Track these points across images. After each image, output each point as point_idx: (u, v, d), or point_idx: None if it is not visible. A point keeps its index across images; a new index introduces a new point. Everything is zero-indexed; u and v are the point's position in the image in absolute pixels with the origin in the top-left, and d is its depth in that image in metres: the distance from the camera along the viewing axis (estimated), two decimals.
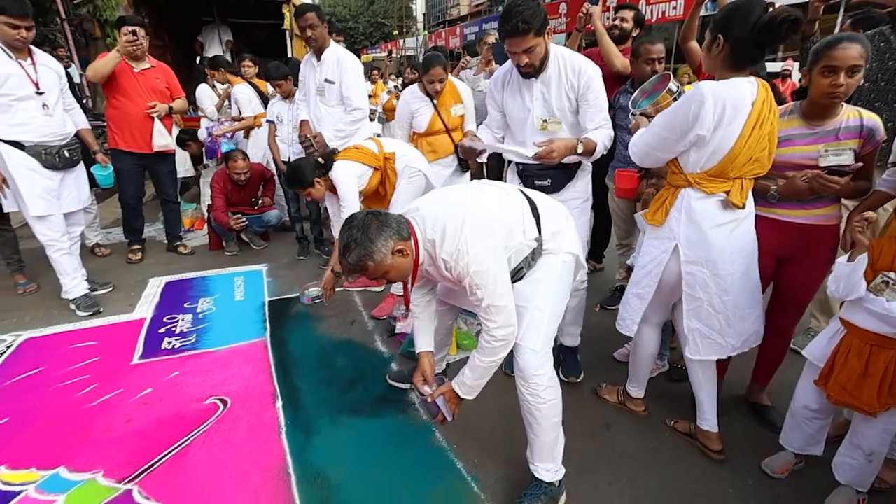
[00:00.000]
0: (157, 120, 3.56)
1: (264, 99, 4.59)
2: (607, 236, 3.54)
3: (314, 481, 1.79)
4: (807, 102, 1.75)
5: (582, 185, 2.25)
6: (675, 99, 1.77)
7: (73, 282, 3.01)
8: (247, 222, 3.93)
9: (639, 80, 2.60)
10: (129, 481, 1.77)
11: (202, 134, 4.98)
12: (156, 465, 1.85)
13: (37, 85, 2.76)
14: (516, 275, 1.64)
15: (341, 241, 1.47)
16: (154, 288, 3.38)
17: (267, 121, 3.92)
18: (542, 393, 1.58)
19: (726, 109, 1.54)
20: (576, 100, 2.05)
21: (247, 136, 4.67)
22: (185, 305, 3.13)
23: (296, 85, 3.81)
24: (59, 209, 2.93)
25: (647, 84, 1.95)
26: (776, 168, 1.78)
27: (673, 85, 1.82)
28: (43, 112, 2.79)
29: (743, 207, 1.68)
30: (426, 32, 22.23)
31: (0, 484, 1.76)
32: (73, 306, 3.00)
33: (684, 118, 1.59)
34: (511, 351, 1.58)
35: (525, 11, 1.79)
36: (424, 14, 41.00)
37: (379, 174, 2.91)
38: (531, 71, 1.99)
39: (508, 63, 2.13)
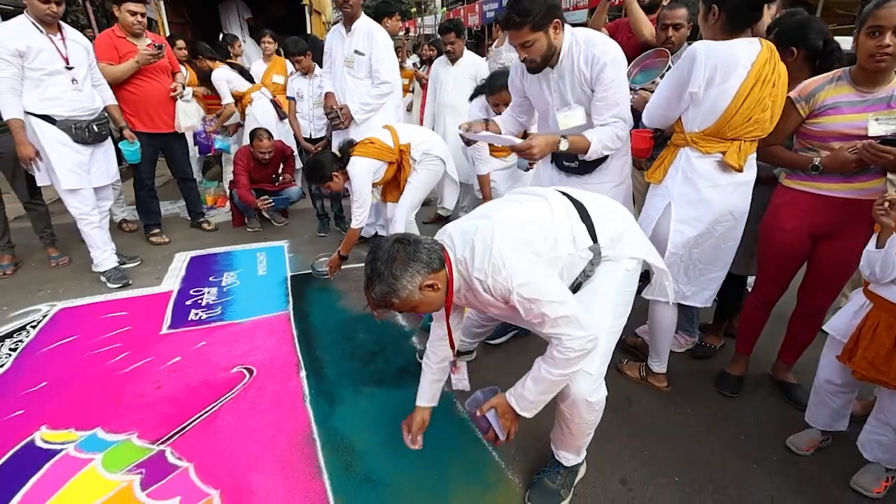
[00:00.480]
0: (180, 101, 3.59)
1: (248, 77, 4.55)
2: None
3: (338, 448, 1.84)
4: (856, 68, 1.67)
5: (616, 168, 2.05)
6: None
7: (104, 255, 3.10)
8: (272, 202, 3.96)
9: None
10: (161, 442, 1.84)
11: (193, 127, 4.88)
12: (187, 428, 1.91)
13: (66, 60, 2.80)
14: (572, 286, 1.46)
15: (365, 272, 1.32)
16: (180, 262, 3.45)
17: (287, 97, 3.92)
18: (587, 417, 1.45)
19: (717, 67, 1.61)
20: (591, 90, 1.88)
21: (242, 117, 4.57)
22: (210, 279, 3.19)
23: (315, 61, 3.80)
24: (89, 183, 3.00)
25: (642, 56, 1.96)
26: (820, 138, 1.72)
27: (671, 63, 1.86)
28: (72, 87, 2.83)
29: (740, 170, 1.74)
30: (444, 10, 21.79)
31: (42, 442, 1.85)
32: (103, 278, 3.09)
33: (680, 77, 1.70)
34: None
35: (523, 3, 1.68)
36: None
37: (394, 167, 2.91)
38: (533, 66, 1.88)
39: None
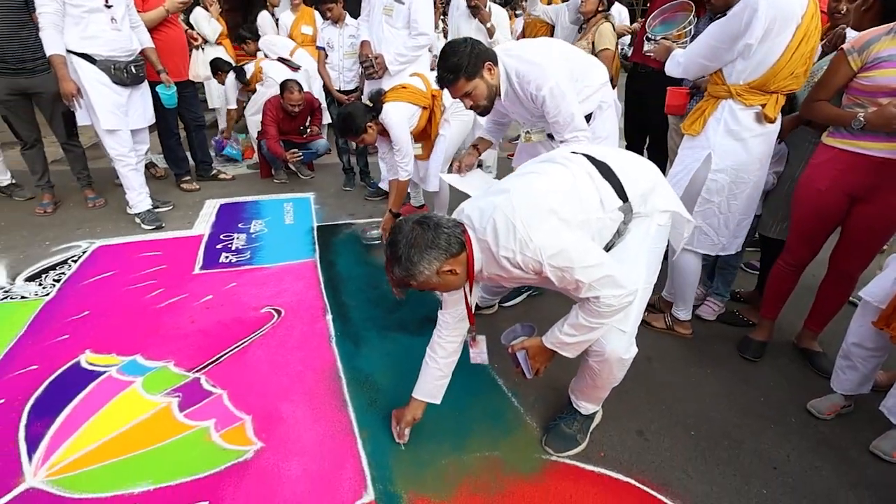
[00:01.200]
0: (199, 50, 3.57)
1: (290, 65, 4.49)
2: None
3: (363, 385, 1.91)
4: None
5: (597, 126, 2.08)
6: (688, 34, 2.02)
7: (139, 197, 3.19)
8: (301, 155, 3.97)
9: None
10: (196, 371, 1.94)
11: (208, 77, 4.85)
12: (220, 360, 2.01)
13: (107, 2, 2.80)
14: (606, 250, 1.43)
15: (386, 252, 1.33)
16: (210, 209, 3.53)
17: (317, 47, 3.87)
18: (617, 374, 1.48)
19: (776, 20, 1.60)
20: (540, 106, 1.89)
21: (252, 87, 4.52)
22: (239, 225, 3.27)
23: (345, 9, 3.72)
24: (126, 125, 3.05)
25: (665, 8, 1.96)
26: (870, 93, 1.63)
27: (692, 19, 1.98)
28: (111, 26, 2.84)
29: (773, 122, 1.83)
30: None
31: (87, 364, 1.96)
32: (137, 220, 3.19)
33: (737, 26, 1.66)
34: None
35: (450, 59, 1.77)
36: None
37: (427, 112, 2.86)
38: (481, 111, 1.95)
39: None
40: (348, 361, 2.03)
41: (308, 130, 4.21)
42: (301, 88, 3.88)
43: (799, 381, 2.00)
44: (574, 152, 1.49)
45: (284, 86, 3.83)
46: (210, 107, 5.16)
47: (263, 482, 1.49)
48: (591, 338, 1.37)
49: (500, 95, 1.92)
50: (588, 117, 2.03)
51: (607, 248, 1.43)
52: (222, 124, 5.26)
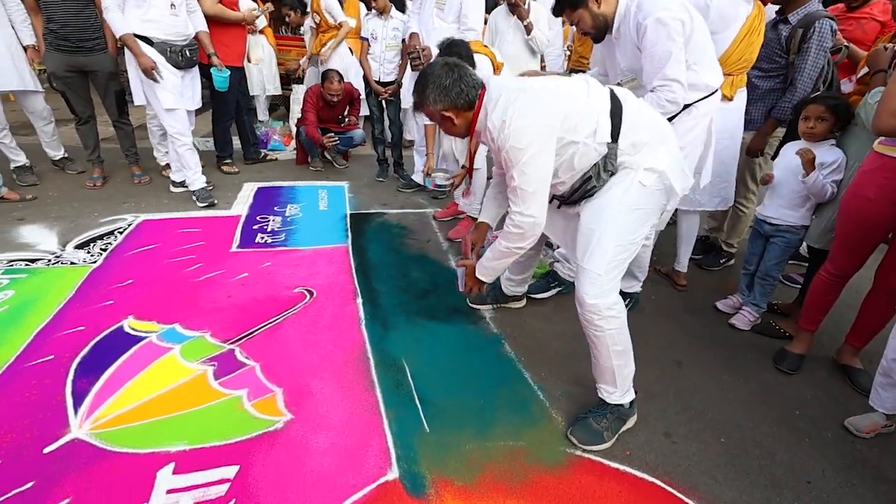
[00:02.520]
0: (255, 34, 3.70)
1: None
2: None
3: (390, 367, 1.94)
4: None
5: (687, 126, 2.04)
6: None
7: (195, 175, 3.31)
8: (338, 140, 4.05)
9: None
10: (231, 342, 2.00)
11: (260, 60, 5.02)
12: (254, 334, 2.06)
13: None
14: (584, 186, 1.54)
15: (417, 78, 1.59)
16: (248, 191, 3.63)
17: (361, 38, 3.93)
18: (598, 322, 1.52)
19: (700, 22, 1.91)
20: None
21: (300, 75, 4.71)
22: (275, 209, 3.35)
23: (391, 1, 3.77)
24: (183, 105, 3.16)
25: None
26: None
27: None
28: (170, 11, 2.96)
29: (731, 100, 2.29)
30: None
31: (129, 329, 2.05)
32: (193, 197, 3.31)
33: (669, 42, 1.84)
34: None
35: None
36: None
37: None
38: (592, 36, 2.06)
39: None
40: (377, 344, 2.06)
41: (346, 120, 4.28)
42: (341, 79, 3.95)
43: (836, 396, 1.94)
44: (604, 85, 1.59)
45: (325, 75, 3.90)
46: (251, 93, 5.28)
47: (292, 452, 1.53)
48: (504, 263, 1.73)
49: (611, 31, 1.98)
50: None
51: (589, 190, 1.54)
52: (261, 113, 5.40)
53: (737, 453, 1.64)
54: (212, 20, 3.41)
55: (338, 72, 3.97)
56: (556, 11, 2.01)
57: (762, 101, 2.48)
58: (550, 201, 1.63)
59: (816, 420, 1.81)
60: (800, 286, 2.51)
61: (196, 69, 3.27)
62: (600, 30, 1.98)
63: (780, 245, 2.24)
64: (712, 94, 2.02)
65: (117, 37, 2.90)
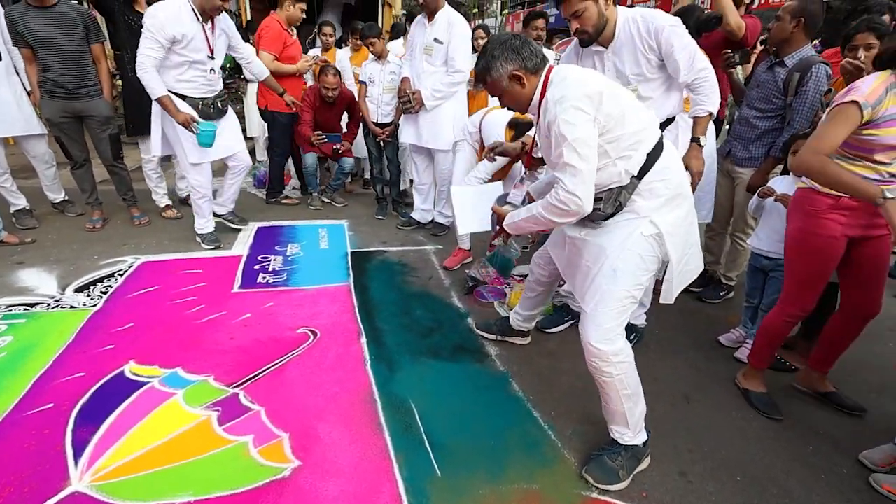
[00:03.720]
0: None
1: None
2: None
3: (398, 409, 1.91)
4: None
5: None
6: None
7: (206, 223, 3.34)
8: (326, 139, 4.00)
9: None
10: (235, 386, 1.97)
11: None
12: (258, 377, 2.03)
13: (211, 51, 3.01)
14: (594, 206, 1.52)
15: (483, 51, 1.58)
16: (247, 231, 3.64)
17: (360, 81, 4.05)
18: (605, 368, 1.52)
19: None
20: (658, 59, 2.01)
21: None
22: (276, 248, 3.36)
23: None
24: (209, 158, 3.16)
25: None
26: (864, 149, 1.63)
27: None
28: (208, 75, 3.06)
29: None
30: (504, 13, 21.90)
31: (130, 374, 2.01)
32: (199, 240, 3.33)
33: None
34: None
35: None
36: None
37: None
38: (585, 38, 1.99)
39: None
40: (383, 385, 2.04)
41: (340, 149, 4.20)
42: (337, 73, 3.94)
43: (847, 428, 1.93)
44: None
45: (322, 70, 3.92)
46: (248, 135, 5.37)
47: (301, 501, 1.48)
48: (531, 226, 1.65)
49: (607, 42, 2.02)
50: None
51: (596, 212, 1.54)
52: (260, 154, 5.46)
53: (754, 492, 1.61)
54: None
55: (334, 66, 3.99)
56: None
57: (761, 139, 2.55)
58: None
59: (830, 455, 1.79)
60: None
61: (231, 112, 3.33)
62: (598, 31, 1.96)
63: (778, 279, 2.27)
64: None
65: (154, 97, 2.88)
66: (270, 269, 3.03)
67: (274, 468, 1.59)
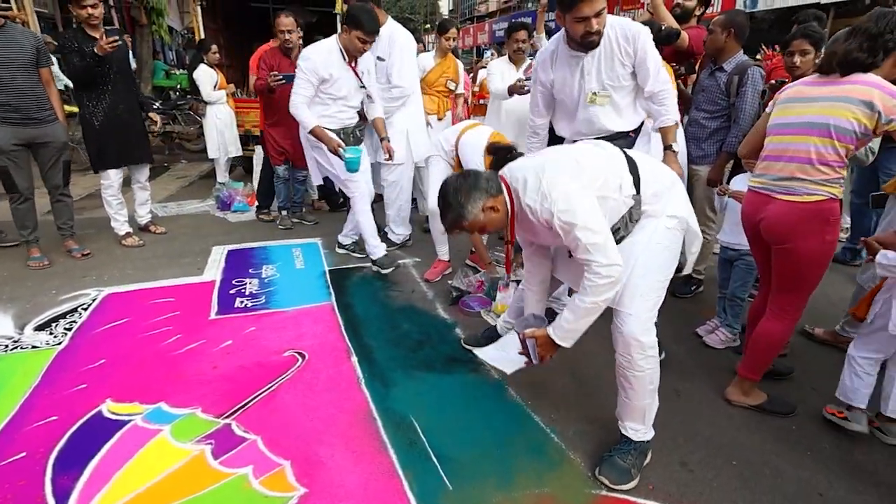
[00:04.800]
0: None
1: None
2: None
3: (399, 425, 1.88)
4: None
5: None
6: None
7: (377, 242, 3.25)
8: (284, 79, 3.55)
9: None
10: (226, 417, 1.88)
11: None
12: (249, 405, 1.96)
13: (356, 86, 3.09)
14: (614, 237, 1.56)
15: (438, 204, 1.61)
16: (218, 255, 3.52)
17: None
18: (640, 361, 1.55)
19: None
20: (632, 65, 2.12)
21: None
22: (251, 271, 3.25)
23: None
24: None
25: None
26: None
27: None
28: (349, 112, 3.15)
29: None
30: (459, 26, 22.45)
31: (109, 413, 1.89)
32: (376, 268, 3.23)
33: None
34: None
35: None
36: (451, 10, 41.01)
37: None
38: (596, 39, 2.03)
39: (553, 42, 2.25)
40: (381, 403, 2.00)
41: None
42: (290, 14, 3.74)
43: (822, 404, 2.04)
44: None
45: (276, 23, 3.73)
46: (210, 157, 5.21)
47: None
48: (587, 321, 1.54)
49: (594, 46, 2.10)
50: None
51: (618, 240, 1.58)
52: (220, 176, 5.30)
53: (749, 475, 1.69)
54: None
55: (287, 10, 3.78)
56: None
57: (712, 138, 2.78)
58: (571, 255, 1.62)
59: (812, 433, 1.90)
60: None
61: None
62: (601, 37, 2.03)
63: (742, 268, 2.42)
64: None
65: (307, 130, 3.02)
66: (247, 293, 2.93)
67: (279, 498, 1.53)
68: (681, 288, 3.06)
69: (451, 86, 3.99)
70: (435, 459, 1.71)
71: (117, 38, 3.15)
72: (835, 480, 1.67)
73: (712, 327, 2.55)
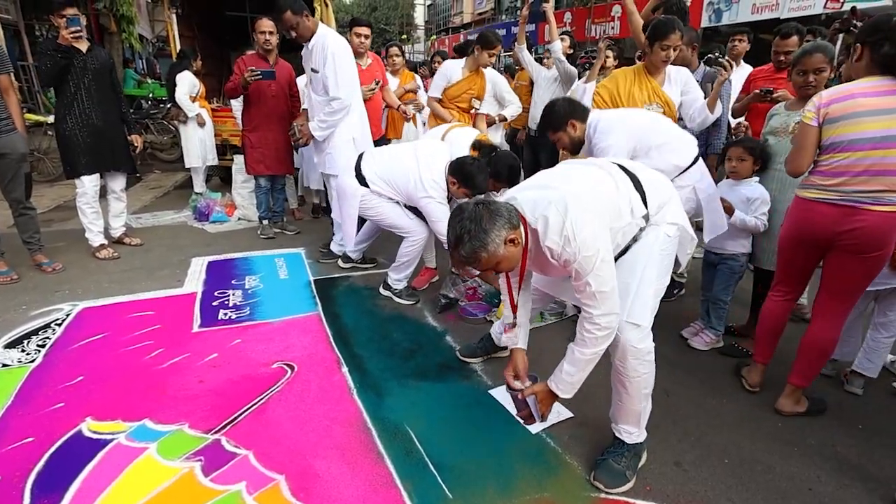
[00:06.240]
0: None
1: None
2: None
3: (395, 435, 1.85)
4: None
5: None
6: None
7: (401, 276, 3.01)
8: (261, 74, 3.52)
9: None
10: (215, 432, 1.82)
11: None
12: (238, 419, 1.90)
13: None
14: (622, 250, 1.60)
15: (452, 233, 1.40)
16: (198, 266, 3.42)
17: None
18: (638, 367, 1.56)
19: None
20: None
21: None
22: (233, 282, 3.18)
23: None
24: None
25: None
26: None
27: None
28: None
29: None
30: (435, 37, 22.61)
31: (89, 432, 1.80)
32: (397, 298, 2.98)
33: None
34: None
35: None
36: (426, 21, 41.43)
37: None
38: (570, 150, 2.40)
39: None
40: (374, 413, 1.97)
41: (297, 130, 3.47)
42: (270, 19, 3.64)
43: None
44: (610, 161, 1.68)
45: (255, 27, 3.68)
46: (186, 165, 5.10)
47: None
48: (588, 371, 1.54)
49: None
50: None
51: (624, 250, 1.60)
52: (198, 186, 5.18)
53: (742, 472, 1.72)
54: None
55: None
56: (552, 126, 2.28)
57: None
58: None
59: (797, 429, 1.96)
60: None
61: None
62: (577, 146, 2.33)
63: (724, 272, 2.49)
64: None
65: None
66: (231, 305, 2.86)
67: None
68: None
69: (476, 104, 3.70)
70: (433, 468, 1.69)
71: (79, 28, 3.06)
72: (823, 475, 1.72)
73: (696, 329, 2.61)
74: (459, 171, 2.58)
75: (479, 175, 2.55)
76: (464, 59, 3.70)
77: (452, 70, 3.62)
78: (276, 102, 3.83)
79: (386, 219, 2.91)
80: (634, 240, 1.61)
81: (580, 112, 2.28)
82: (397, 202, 2.87)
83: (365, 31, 3.71)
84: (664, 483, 1.66)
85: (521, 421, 1.76)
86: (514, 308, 1.73)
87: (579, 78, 4.11)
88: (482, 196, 1.49)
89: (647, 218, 1.58)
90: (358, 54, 3.55)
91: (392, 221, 2.90)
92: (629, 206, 1.55)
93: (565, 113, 2.25)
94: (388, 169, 2.82)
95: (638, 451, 1.69)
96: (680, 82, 2.60)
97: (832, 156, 1.79)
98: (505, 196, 1.58)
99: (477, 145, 2.78)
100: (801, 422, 1.99)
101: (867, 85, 1.72)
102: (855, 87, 1.74)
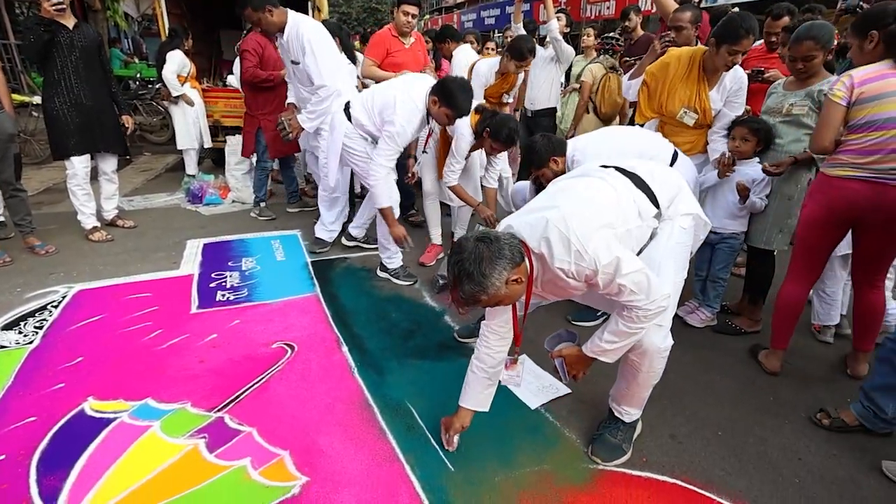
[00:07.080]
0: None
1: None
2: None
3: (396, 411, 1.88)
4: None
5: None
6: None
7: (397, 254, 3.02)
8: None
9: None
10: (218, 410, 1.84)
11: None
12: (241, 397, 1.92)
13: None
14: (637, 252, 1.55)
15: (451, 272, 1.31)
16: (193, 248, 3.40)
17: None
18: (655, 364, 1.55)
19: None
20: None
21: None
22: (230, 264, 3.16)
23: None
24: None
25: None
26: None
27: None
28: None
29: None
30: (428, 16, 22.20)
31: (92, 412, 1.81)
32: (395, 280, 3.00)
33: None
34: None
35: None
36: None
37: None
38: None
39: None
40: (376, 390, 2.00)
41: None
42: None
43: (798, 378, 2.17)
44: (605, 166, 1.62)
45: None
46: (179, 147, 5.02)
47: None
48: (631, 342, 1.46)
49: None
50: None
51: (639, 252, 1.54)
52: (190, 168, 5.12)
53: (735, 443, 1.78)
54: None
55: None
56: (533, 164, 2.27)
57: None
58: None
59: (788, 403, 2.01)
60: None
61: None
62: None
63: (724, 251, 2.52)
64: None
65: (382, 207, 2.72)
66: (228, 286, 2.85)
67: (281, 487, 1.51)
68: None
69: (506, 98, 3.89)
70: (434, 443, 1.73)
71: (61, 1, 2.98)
72: (812, 445, 1.78)
73: (692, 308, 2.65)
74: (441, 89, 2.51)
75: (460, 93, 2.47)
76: (496, 59, 3.70)
77: (486, 74, 3.68)
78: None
79: (359, 159, 2.85)
80: (651, 237, 1.56)
81: (559, 147, 2.26)
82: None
83: (413, 10, 3.50)
84: (659, 455, 1.71)
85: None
86: (518, 338, 1.60)
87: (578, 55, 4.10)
88: (483, 230, 1.38)
89: (658, 216, 1.53)
90: (402, 33, 3.51)
91: (363, 167, 2.83)
92: (635, 209, 1.48)
93: (546, 150, 2.24)
94: (370, 95, 2.79)
95: (633, 424, 1.73)
96: (730, 91, 2.42)
97: (866, 134, 1.81)
98: (502, 225, 1.50)
99: (480, 108, 2.76)
100: (793, 396, 2.04)
101: (891, 66, 1.77)
102: (883, 67, 1.78)
